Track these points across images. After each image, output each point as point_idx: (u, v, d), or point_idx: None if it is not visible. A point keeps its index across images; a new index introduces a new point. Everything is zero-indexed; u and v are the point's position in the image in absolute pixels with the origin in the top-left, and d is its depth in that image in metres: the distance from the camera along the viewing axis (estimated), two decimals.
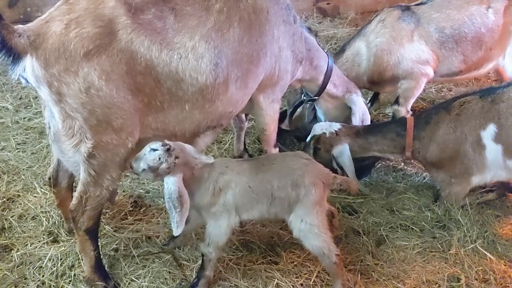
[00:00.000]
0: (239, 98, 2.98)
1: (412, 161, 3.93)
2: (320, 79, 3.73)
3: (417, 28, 4.08)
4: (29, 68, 2.41)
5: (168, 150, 2.57)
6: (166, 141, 2.61)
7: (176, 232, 2.55)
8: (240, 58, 2.86)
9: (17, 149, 4.14)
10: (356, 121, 3.84)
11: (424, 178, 3.92)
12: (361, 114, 3.87)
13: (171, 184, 2.54)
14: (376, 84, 4.36)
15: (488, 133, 3.33)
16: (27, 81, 2.47)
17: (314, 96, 3.85)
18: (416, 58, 4.07)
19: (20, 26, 2.42)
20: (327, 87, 3.77)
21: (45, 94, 2.48)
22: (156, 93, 2.62)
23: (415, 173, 4.00)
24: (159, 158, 2.55)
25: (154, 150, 2.57)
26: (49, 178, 3.06)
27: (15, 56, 2.37)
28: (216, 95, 2.79)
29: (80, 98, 2.44)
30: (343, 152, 3.63)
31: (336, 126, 3.71)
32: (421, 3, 4.26)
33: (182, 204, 2.54)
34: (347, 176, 3.54)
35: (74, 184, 3.11)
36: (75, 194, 2.72)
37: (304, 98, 3.97)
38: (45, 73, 2.40)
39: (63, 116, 2.50)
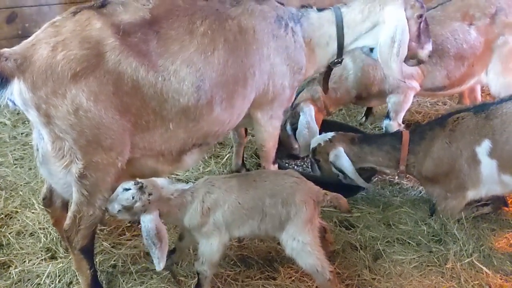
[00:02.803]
0: (226, 119, 2.97)
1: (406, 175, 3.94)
2: (336, 44, 3.34)
3: None
4: (16, 91, 2.41)
5: (141, 188, 2.59)
6: (138, 179, 2.63)
7: (159, 267, 2.56)
8: (225, 80, 2.85)
9: (15, 164, 4.14)
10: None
11: (420, 192, 3.94)
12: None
13: (148, 222, 2.56)
14: (364, 99, 4.38)
15: (483, 148, 3.37)
16: (14, 104, 2.46)
17: (337, 58, 3.39)
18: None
19: (6, 49, 2.43)
20: (354, 18, 3.29)
21: (33, 117, 2.48)
22: (142, 113, 2.64)
23: (411, 187, 4.03)
24: (133, 197, 2.57)
25: (127, 189, 2.59)
26: (43, 199, 3.06)
27: (3, 80, 2.37)
28: (200, 116, 2.80)
29: (69, 120, 2.44)
30: (338, 155, 3.62)
31: (330, 134, 3.73)
32: None
33: (161, 239, 2.55)
34: (350, 178, 3.57)
35: (69, 202, 3.11)
36: (69, 214, 2.72)
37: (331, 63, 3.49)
38: (33, 96, 2.40)
39: (52, 138, 2.51)
